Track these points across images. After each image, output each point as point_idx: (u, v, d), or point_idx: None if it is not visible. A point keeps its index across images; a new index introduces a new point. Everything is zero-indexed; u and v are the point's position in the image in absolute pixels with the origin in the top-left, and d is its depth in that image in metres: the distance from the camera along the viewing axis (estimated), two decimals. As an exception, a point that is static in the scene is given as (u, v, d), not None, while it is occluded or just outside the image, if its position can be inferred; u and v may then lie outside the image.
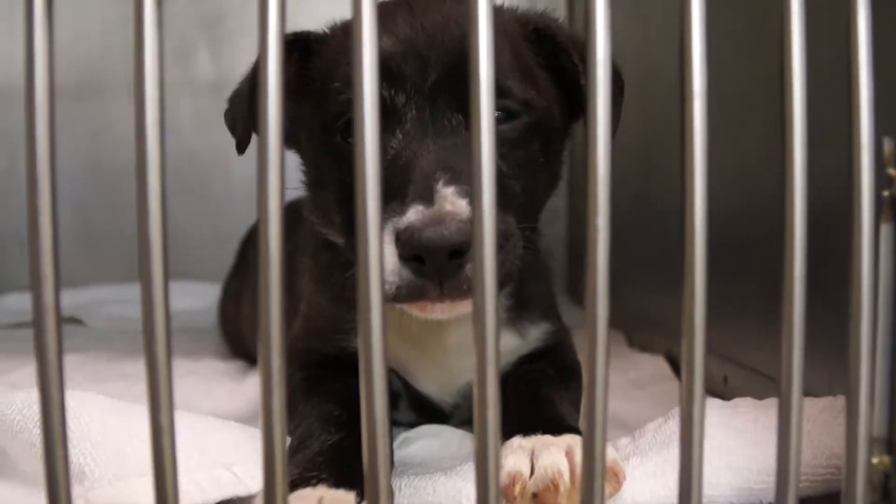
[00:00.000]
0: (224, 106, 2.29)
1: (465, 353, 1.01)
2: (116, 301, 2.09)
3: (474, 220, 0.56)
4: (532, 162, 0.92)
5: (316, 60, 0.98)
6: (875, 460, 0.68)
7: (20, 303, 2.12)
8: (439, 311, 0.82)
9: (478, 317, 0.56)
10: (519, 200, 0.88)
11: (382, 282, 0.55)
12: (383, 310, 0.55)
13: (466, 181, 0.79)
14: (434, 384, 1.04)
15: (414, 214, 0.77)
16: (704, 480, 0.79)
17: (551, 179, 0.99)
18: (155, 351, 0.55)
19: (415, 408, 1.05)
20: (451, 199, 0.78)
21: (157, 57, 0.56)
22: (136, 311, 1.95)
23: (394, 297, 0.80)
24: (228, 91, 2.31)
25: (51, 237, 0.56)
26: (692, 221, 0.58)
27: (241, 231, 1.85)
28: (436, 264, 0.76)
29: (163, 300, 0.55)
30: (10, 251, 2.14)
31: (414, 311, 0.84)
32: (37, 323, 0.57)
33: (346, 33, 0.96)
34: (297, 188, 1.04)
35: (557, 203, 2.23)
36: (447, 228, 0.76)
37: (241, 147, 0.99)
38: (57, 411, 0.57)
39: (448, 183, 0.79)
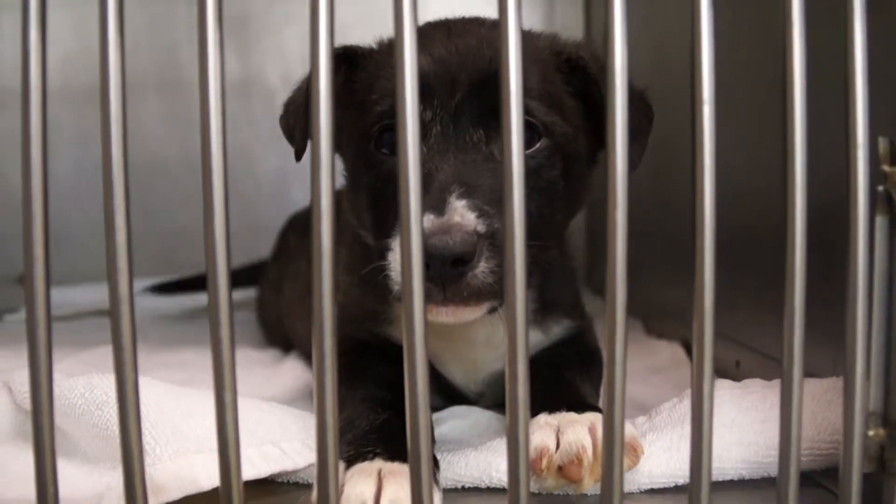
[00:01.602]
0: (251, 104, 2.34)
1: (489, 347, 1.08)
2: (147, 294, 2.17)
3: (505, 229, 0.62)
4: (551, 184, 0.97)
5: (360, 74, 1.03)
6: (871, 433, 0.73)
7: (56, 297, 2.19)
8: (444, 315, 0.88)
9: (509, 309, 0.62)
10: (532, 219, 0.93)
11: (423, 279, 0.62)
12: (423, 300, 0.62)
13: (479, 196, 0.86)
14: (460, 373, 1.11)
15: (425, 222, 0.83)
16: (716, 454, 0.85)
17: (571, 203, 1.04)
18: (219, 334, 0.61)
19: (442, 393, 1.12)
20: (460, 212, 0.84)
21: (219, 55, 0.62)
22: (165, 304, 2.02)
23: (402, 297, 0.87)
24: (255, 90, 2.38)
25: (125, 231, 0.62)
26: (702, 212, 0.64)
27: (268, 225, 1.92)
28: (439, 270, 0.82)
29: (226, 284, 0.61)
30: (44, 247, 2.21)
31: None
32: (113, 310, 0.63)
33: (388, 50, 1.02)
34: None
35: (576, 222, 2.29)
36: (452, 238, 0.82)
37: (300, 154, 1.05)
38: (132, 390, 0.63)
39: (461, 196, 0.85)
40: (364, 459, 0.80)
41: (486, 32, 0.98)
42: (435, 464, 0.84)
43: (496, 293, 0.85)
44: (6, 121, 2.33)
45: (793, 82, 0.66)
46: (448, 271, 0.83)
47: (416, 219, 0.62)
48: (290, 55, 2.26)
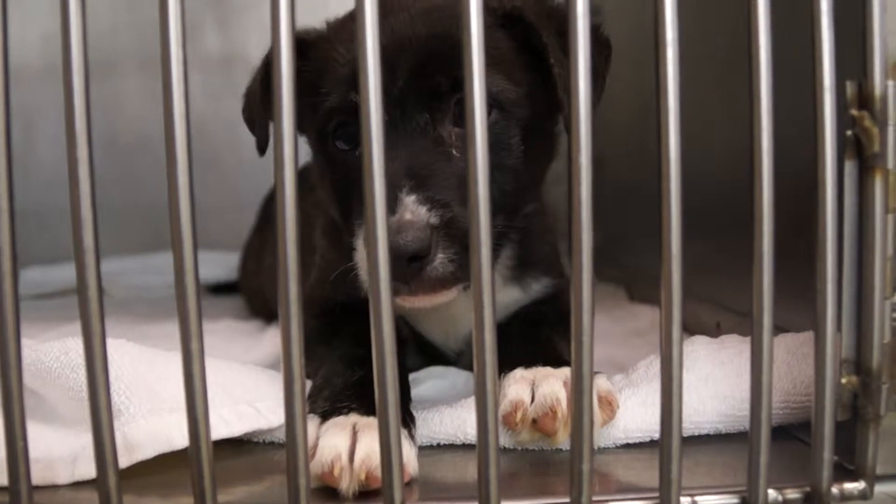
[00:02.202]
0: (232, 79, 2.34)
1: (468, 306, 1.08)
2: (135, 271, 2.17)
3: (471, 217, 0.63)
4: (511, 154, 0.96)
5: (311, 61, 1.00)
6: (844, 380, 0.73)
7: (41, 275, 2.20)
8: (419, 302, 0.90)
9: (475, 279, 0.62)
10: (496, 198, 0.92)
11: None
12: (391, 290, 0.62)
13: (430, 186, 0.87)
14: (439, 332, 1.11)
15: None
16: (692, 408, 0.86)
17: (539, 162, 1.04)
18: (185, 285, 0.61)
19: (421, 353, 1.12)
20: (411, 208, 0.85)
21: (181, 33, 0.62)
22: (153, 280, 2.02)
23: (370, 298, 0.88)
24: (236, 64, 2.38)
25: (90, 206, 0.62)
26: (667, 157, 0.64)
27: (252, 200, 1.91)
28: (398, 268, 0.82)
29: (191, 238, 0.61)
30: (29, 226, 2.21)
31: (398, 302, 0.91)
32: (78, 262, 0.63)
33: (336, 32, 1.01)
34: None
35: (559, 166, 2.29)
36: (404, 238, 0.83)
37: (263, 147, 1.05)
38: (99, 352, 0.63)
39: (411, 191, 0.86)
40: (339, 414, 0.80)
41: (418, 4, 0.96)
42: (411, 420, 0.84)
43: (459, 278, 0.87)
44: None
45: (758, 33, 0.65)
46: (407, 269, 0.84)
47: (383, 236, 0.62)
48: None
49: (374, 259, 0.62)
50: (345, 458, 0.74)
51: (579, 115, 0.61)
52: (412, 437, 0.82)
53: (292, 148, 0.62)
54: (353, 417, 0.79)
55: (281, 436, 0.88)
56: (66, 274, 2.05)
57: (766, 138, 0.65)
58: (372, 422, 0.78)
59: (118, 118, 2.35)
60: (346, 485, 0.73)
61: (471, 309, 1.07)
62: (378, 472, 0.73)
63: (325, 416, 0.80)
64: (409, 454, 0.77)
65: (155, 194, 2.34)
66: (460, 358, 1.13)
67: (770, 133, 0.66)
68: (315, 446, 0.75)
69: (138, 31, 2.28)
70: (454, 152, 0.92)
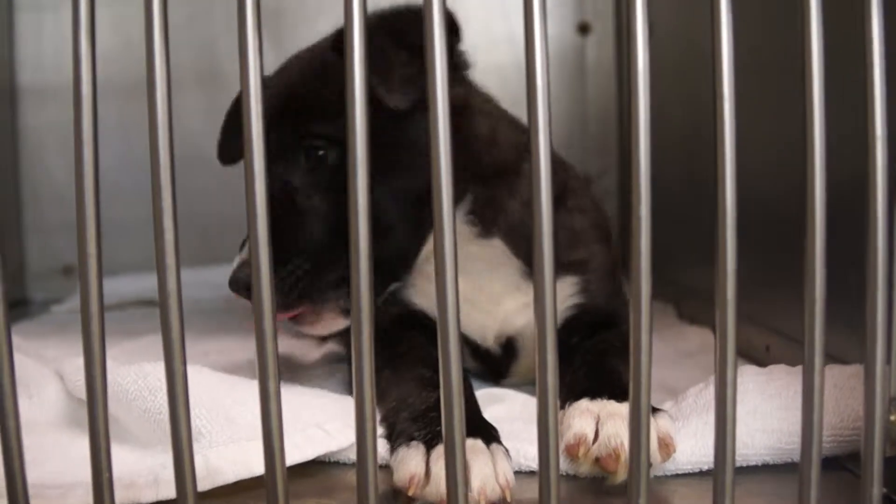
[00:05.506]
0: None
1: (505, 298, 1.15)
2: (188, 285, 2.21)
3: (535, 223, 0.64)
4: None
5: None
6: (893, 418, 0.75)
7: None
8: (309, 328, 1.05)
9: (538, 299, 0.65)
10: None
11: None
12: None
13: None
14: (478, 328, 1.17)
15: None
16: (740, 441, 0.88)
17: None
18: (264, 328, 0.65)
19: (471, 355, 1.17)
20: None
21: (258, 50, 0.65)
22: (206, 294, 2.06)
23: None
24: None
25: (172, 231, 0.66)
26: (724, 199, 0.66)
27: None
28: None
29: (268, 271, 0.64)
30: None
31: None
32: (162, 304, 0.67)
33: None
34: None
35: (609, 183, 2.31)
36: (239, 273, 1.00)
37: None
38: (180, 378, 0.67)
39: None
40: (441, 439, 0.80)
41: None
42: (495, 432, 0.87)
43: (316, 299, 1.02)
44: (47, 115, 2.40)
45: (811, 75, 0.67)
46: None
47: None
48: (323, 47, 2.32)
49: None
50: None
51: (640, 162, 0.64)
52: (506, 449, 0.83)
53: (365, 162, 0.65)
54: None
55: (350, 455, 0.91)
56: (123, 286, 2.10)
57: (819, 171, 0.67)
58: (474, 444, 0.80)
59: (175, 132, 2.40)
60: None
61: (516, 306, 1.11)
62: (495, 496, 0.77)
63: (428, 444, 0.82)
64: (506, 467, 0.79)
65: (207, 208, 2.41)
66: (506, 359, 1.19)
67: (822, 166, 0.67)
68: (426, 475, 0.78)
69: (195, 49, 2.34)
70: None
